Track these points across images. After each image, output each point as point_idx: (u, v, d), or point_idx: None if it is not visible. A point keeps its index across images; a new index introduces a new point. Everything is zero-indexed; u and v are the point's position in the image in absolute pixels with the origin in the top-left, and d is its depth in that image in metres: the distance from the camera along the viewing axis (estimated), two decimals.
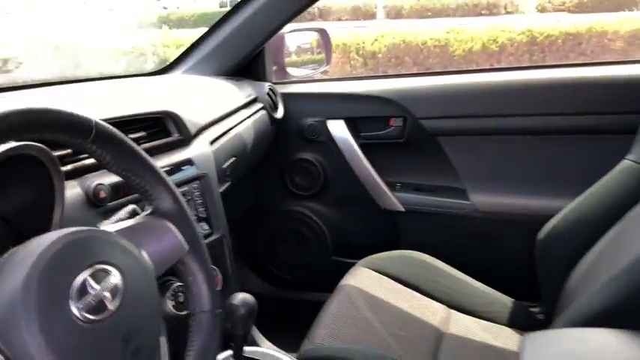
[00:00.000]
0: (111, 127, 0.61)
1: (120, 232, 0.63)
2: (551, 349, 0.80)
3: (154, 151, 1.00)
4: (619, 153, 1.26)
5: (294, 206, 1.74)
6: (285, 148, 1.69)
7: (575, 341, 0.81)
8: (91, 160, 0.84)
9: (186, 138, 1.13)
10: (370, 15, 9.93)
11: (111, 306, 0.54)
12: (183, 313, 0.90)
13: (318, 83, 1.80)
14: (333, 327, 1.21)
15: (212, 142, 1.22)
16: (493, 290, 1.42)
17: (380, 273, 1.41)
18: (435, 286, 1.39)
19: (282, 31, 1.63)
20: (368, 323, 1.23)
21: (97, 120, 0.60)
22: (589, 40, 6.27)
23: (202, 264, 0.72)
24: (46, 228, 0.70)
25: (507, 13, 9.48)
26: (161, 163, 1.01)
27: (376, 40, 6.55)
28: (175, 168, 1.04)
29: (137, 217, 0.68)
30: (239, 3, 1.47)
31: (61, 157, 0.77)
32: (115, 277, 0.56)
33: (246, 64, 1.60)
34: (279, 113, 1.62)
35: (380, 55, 6.49)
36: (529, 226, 1.36)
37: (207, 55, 1.50)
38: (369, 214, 1.66)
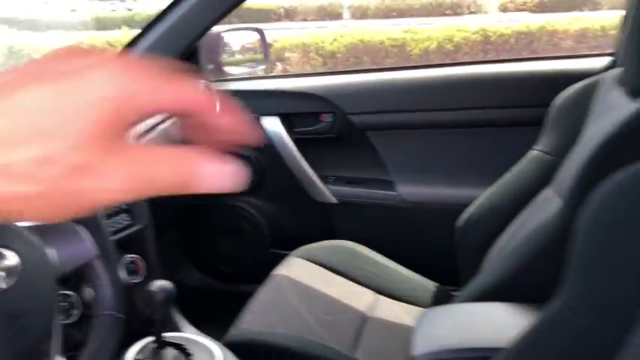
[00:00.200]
0: None
1: (29, 228, 0.67)
2: (441, 322, 0.87)
3: None
4: (529, 144, 1.34)
5: (232, 201, 1.79)
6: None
7: (464, 314, 0.88)
8: None
9: None
10: (336, 15, 10.00)
11: (3, 284, 0.58)
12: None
13: (253, 81, 1.85)
14: (260, 314, 1.27)
15: (136, 140, 1.27)
16: (418, 276, 1.50)
17: (312, 262, 1.47)
18: (363, 273, 1.45)
19: (219, 30, 1.67)
20: (294, 309, 1.29)
21: None
22: (540, 39, 6.46)
23: (109, 269, 0.76)
24: None
25: (471, 12, 9.66)
26: None
27: (335, 40, 6.63)
28: None
29: None
30: (168, 5, 1.51)
31: None
32: (12, 260, 0.60)
33: (181, 62, 1.64)
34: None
35: (339, 55, 6.57)
36: (451, 215, 1.43)
37: (140, 56, 1.53)
38: (305, 206, 1.72)
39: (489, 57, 6.36)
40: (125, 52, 1.59)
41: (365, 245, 1.54)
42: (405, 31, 6.73)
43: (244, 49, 2.10)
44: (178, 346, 1.04)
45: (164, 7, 1.54)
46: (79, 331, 0.87)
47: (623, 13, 1.41)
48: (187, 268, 1.87)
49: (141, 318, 0.98)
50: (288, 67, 6.51)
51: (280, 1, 9.55)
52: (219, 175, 0.27)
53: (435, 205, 1.61)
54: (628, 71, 1.01)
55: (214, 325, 1.28)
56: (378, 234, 1.64)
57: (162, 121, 1.36)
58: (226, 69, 1.78)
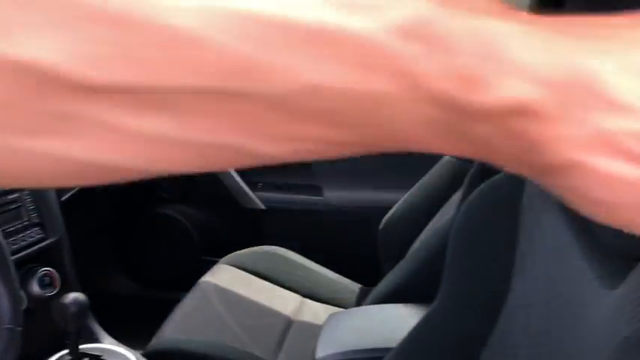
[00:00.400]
0: None
1: None
2: (344, 325, 0.91)
3: None
4: None
5: (162, 209, 1.79)
6: None
7: (365, 317, 0.92)
8: None
9: None
10: None
11: None
12: None
13: None
14: (183, 322, 1.28)
15: None
16: (344, 278, 1.54)
17: (239, 269, 1.49)
18: (290, 278, 1.48)
19: None
20: (218, 317, 1.31)
21: None
22: None
23: (7, 283, 0.76)
24: None
25: None
26: None
27: None
28: None
29: None
30: None
31: None
32: None
33: None
34: None
35: None
36: (375, 218, 1.48)
37: None
38: (234, 213, 1.74)
39: None
40: None
41: (293, 250, 1.57)
42: None
43: None
44: (95, 357, 1.04)
45: None
46: None
47: None
48: (118, 275, 1.86)
49: (57, 331, 0.99)
50: None
51: None
52: None
53: (361, 209, 1.66)
54: None
55: (142, 333, 1.28)
56: (306, 238, 1.67)
57: None
58: None
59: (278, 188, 1.72)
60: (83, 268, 1.72)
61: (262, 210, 1.71)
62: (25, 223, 1.02)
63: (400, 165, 1.67)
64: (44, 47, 0.15)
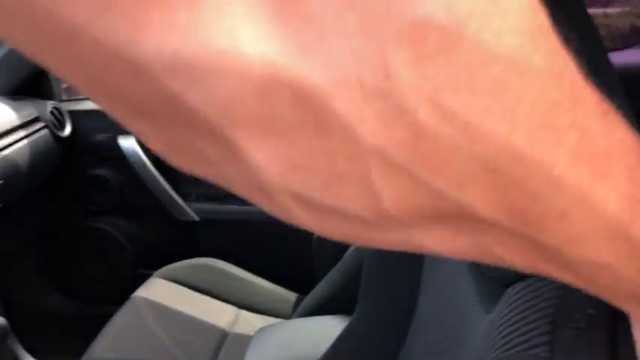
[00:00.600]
0: None
1: None
2: (271, 339, 0.91)
3: None
4: None
5: (93, 222, 1.74)
6: (78, 166, 1.68)
7: (292, 329, 0.92)
8: None
9: None
10: None
11: None
12: None
13: None
14: (114, 340, 1.25)
15: None
16: (280, 288, 1.54)
17: (173, 282, 1.46)
18: (225, 290, 1.47)
19: None
20: (150, 333, 1.28)
21: None
22: None
23: None
24: None
25: None
26: None
27: None
28: None
29: None
30: None
31: None
32: None
33: (31, 82, 1.58)
34: (67, 131, 1.61)
35: None
36: None
37: None
38: (168, 225, 1.71)
39: None
40: None
41: (229, 261, 1.56)
42: None
43: None
44: None
45: None
46: None
47: None
48: (50, 292, 1.80)
49: None
50: None
51: None
52: None
53: None
54: None
55: (76, 351, 1.25)
56: (241, 249, 1.66)
57: None
58: None
59: (211, 199, 1.70)
60: (12, 288, 1.66)
61: (196, 221, 1.69)
62: None
63: None
64: None
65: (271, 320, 1.40)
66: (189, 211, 1.68)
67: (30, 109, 1.50)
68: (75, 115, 1.66)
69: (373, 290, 0.60)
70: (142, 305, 1.36)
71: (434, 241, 0.20)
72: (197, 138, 0.17)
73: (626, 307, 0.23)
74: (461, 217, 0.18)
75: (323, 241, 1.43)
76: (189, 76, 0.15)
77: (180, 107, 0.15)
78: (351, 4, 0.14)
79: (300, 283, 1.55)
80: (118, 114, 0.17)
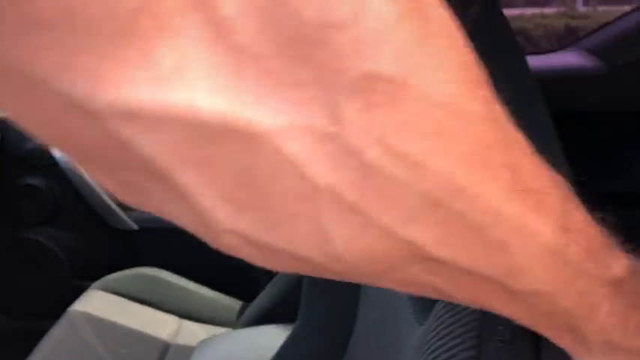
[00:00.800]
0: None
1: None
2: (212, 350, 0.89)
3: None
4: None
5: (25, 233, 1.67)
6: (8, 176, 1.61)
7: (235, 340, 0.91)
8: None
9: None
10: None
11: None
12: None
13: None
14: (49, 356, 1.20)
15: None
16: (223, 296, 1.52)
17: (112, 293, 1.42)
18: (166, 300, 1.44)
19: None
20: (89, 347, 1.24)
21: None
22: None
23: None
24: None
25: None
26: None
27: None
28: None
29: None
30: None
31: None
32: None
33: None
34: None
35: None
36: None
37: None
38: (105, 235, 1.66)
39: None
40: None
41: (170, 270, 1.52)
42: None
43: None
44: None
45: None
46: None
47: None
48: None
49: None
50: None
51: None
52: None
53: None
54: None
55: None
56: (182, 258, 1.63)
57: None
58: None
59: None
60: None
61: (135, 230, 1.64)
62: None
63: None
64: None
65: (215, 330, 1.38)
66: (128, 219, 1.63)
67: None
68: (3, 123, 1.58)
69: (314, 299, 0.59)
70: (78, 318, 1.31)
71: (384, 282, 0.21)
72: (147, 180, 0.17)
73: (565, 340, 0.25)
74: (410, 261, 0.19)
75: None
76: (141, 123, 0.15)
77: (132, 152, 0.16)
78: (307, 60, 0.15)
79: (243, 291, 1.53)
80: (71, 157, 0.18)
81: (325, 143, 0.16)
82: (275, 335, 0.88)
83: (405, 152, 0.17)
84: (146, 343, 1.29)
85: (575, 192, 0.23)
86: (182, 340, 1.32)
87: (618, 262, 0.24)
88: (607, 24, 1.27)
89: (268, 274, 1.40)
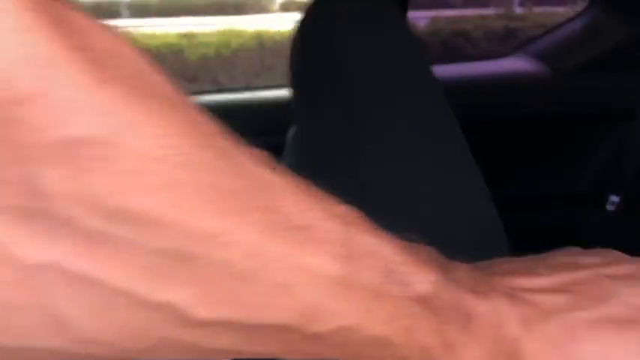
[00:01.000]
0: None
1: None
2: None
3: None
4: None
5: None
6: None
7: None
8: None
9: None
10: (114, 14, 9.45)
11: None
12: None
13: None
14: None
15: None
16: None
17: None
18: None
19: None
20: None
21: None
22: None
23: None
24: None
25: (256, 12, 9.81)
26: None
27: None
28: None
29: None
30: None
31: None
32: None
33: None
34: None
35: None
36: None
37: None
38: None
39: (267, 64, 6.53)
40: None
41: None
42: (182, 36, 6.63)
43: None
44: None
45: None
46: None
47: None
48: None
49: None
50: None
51: None
52: None
53: None
54: None
55: None
56: None
57: None
58: None
59: None
60: None
61: None
62: None
63: None
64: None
65: None
66: None
67: None
68: None
69: None
70: None
71: (168, 356, 0.20)
72: None
73: None
74: (180, 328, 0.18)
75: None
76: None
77: None
78: (2, 141, 0.15)
79: None
80: None
81: (33, 221, 0.15)
82: None
83: (131, 211, 0.16)
84: None
85: (362, 216, 0.22)
86: None
87: (423, 279, 0.23)
88: (553, 28, 1.29)
89: None
